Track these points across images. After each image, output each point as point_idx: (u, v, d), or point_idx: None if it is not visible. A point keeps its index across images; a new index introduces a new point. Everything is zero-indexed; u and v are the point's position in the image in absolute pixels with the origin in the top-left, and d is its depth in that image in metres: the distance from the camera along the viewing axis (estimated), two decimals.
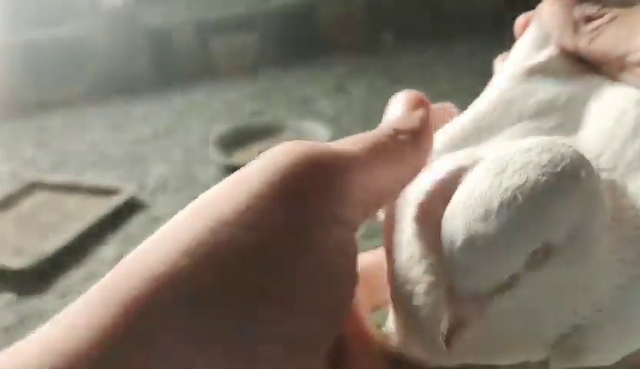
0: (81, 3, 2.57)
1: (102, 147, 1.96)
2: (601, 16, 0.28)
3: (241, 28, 2.68)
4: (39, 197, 1.62)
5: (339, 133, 1.67)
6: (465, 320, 0.21)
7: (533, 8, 0.32)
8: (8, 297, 1.30)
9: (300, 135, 1.71)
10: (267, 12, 2.76)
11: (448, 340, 0.21)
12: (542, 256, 0.21)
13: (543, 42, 0.31)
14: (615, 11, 0.29)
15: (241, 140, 1.79)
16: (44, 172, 1.78)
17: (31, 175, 1.74)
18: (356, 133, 0.25)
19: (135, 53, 2.58)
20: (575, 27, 0.29)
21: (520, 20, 0.33)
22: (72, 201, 1.59)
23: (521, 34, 0.32)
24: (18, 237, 1.44)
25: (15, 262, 1.33)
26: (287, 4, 2.78)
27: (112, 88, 2.44)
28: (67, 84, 2.47)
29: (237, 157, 1.70)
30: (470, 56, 2.40)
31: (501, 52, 0.34)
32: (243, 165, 0.23)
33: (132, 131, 2.07)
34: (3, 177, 1.79)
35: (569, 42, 0.29)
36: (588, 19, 0.29)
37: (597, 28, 0.28)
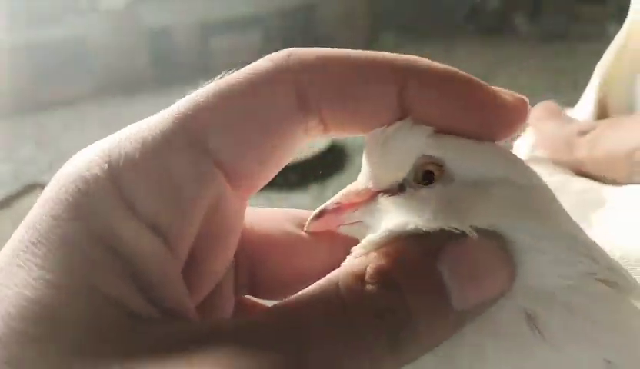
0: (82, 3, 2.57)
1: None
2: (594, 128, 0.30)
3: (243, 28, 2.68)
4: (39, 197, 1.61)
5: None
6: (339, 211, 0.23)
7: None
8: None
9: None
10: (268, 12, 2.76)
11: (312, 219, 0.24)
12: (435, 172, 0.22)
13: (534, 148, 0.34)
14: (606, 121, 0.31)
15: None
16: (43, 172, 1.78)
17: (30, 175, 1.74)
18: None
19: (135, 52, 2.58)
20: (569, 142, 0.31)
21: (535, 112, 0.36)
22: None
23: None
24: None
25: None
26: (288, 4, 2.78)
27: (112, 87, 2.44)
28: (67, 83, 2.47)
29: None
30: (470, 55, 2.40)
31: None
32: None
33: None
34: (3, 177, 1.79)
35: (567, 157, 0.31)
36: (582, 133, 0.31)
37: (595, 137, 0.30)
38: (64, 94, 2.41)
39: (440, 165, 0.22)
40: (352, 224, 0.23)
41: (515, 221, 0.20)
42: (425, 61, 0.21)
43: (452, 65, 0.22)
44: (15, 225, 0.20)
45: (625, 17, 0.39)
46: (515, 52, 2.42)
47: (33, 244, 0.18)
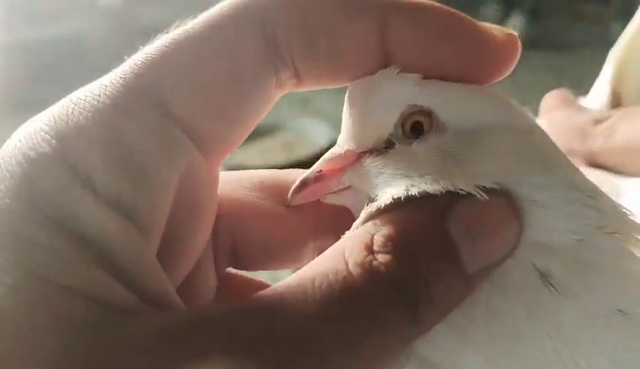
0: (80, 1, 2.57)
1: None
2: (608, 117, 0.30)
3: None
4: None
5: (339, 132, 1.65)
6: (322, 178, 0.21)
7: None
8: None
9: (300, 134, 1.70)
10: None
11: (294, 191, 0.22)
12: (424, 123, 0.20)
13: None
14: (621, 110, 0.30)
15: None
16: None
17: None
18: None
19: (133, 50, 2.58)
20: (583, 132, 0.30)
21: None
22: None
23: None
24: None
25: None
26: None
27: None
28: (65, 82, 2.46)
29: (237, 157, 1.69)
30: None
31: None
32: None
33: None
34: None
35: (580, 147, 0.30)
36: (597, 122, 0.30)
37: (610, 126, 0.29)
38: (61, 93, 2.40)
39: (429, 115, 0.20)
40: (341, 191, 0.21)
41: (519, 175, 0.20)
42: None
43: None
44: None
45: (629, 16, 0.39)
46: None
47: None
